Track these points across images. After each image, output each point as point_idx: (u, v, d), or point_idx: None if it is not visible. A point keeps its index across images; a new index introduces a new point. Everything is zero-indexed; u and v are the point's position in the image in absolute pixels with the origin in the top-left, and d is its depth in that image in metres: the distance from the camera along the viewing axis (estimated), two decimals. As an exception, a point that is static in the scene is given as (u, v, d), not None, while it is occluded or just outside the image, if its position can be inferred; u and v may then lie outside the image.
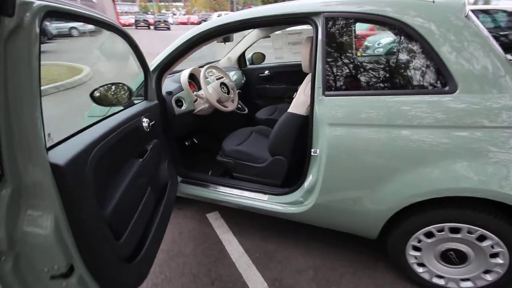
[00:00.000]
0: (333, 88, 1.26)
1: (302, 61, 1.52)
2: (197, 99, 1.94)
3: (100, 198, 0.94)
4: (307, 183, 1.48)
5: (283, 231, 1.83)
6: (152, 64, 1.61)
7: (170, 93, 1.81)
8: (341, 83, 1.27)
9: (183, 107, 1.86)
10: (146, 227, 1.24)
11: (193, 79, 2.13)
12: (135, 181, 1.17)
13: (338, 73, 1.27)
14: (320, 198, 1.37)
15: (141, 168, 1.22)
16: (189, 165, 1.99)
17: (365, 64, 1.32)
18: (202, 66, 2.65)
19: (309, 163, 1.48)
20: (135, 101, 1.53)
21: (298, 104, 1.50)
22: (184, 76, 1.92)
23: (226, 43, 2.41)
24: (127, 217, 1.10)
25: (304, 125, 1.51)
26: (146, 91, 1.55)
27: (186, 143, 2.25)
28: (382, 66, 1.41)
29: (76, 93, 4.97)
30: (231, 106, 2.07)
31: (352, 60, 1.25)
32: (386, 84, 1.27)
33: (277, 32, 2.55)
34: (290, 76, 2.77)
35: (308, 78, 1.53)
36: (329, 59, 1.27)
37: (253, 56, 2.94)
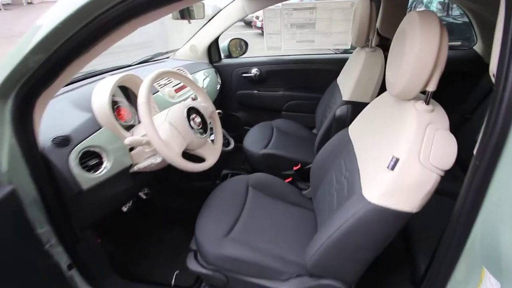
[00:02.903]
0: None
1: (404, 71, 0.60)
2: (133, 147, 0.91)
3: None
4: None
5: None
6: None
7: (64, 142, 0.76)
8: None
9: (101, 169, 0.83)
10: None
11: (125, 94, 1.07)
12: None
13: None
14: None
15: None
16: (132, 264, 1.04)
17: None
18: (140, 63, 1.55)
19: None
20: None
21: (396, 188, 0.58)
22: (101, 95, 0.87)
23: (191, 21, 1.33)
24: None
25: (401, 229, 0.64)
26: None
27: (123, 208, 1.22)
28: None
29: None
30: (212, 157, 1.02)
31: None
32: None
33: (273, 7, 1.56)
34: (292, 77, 1.83)
35: (416, 120, 0.60)
36: None
37: (230, 44, 1.91)
